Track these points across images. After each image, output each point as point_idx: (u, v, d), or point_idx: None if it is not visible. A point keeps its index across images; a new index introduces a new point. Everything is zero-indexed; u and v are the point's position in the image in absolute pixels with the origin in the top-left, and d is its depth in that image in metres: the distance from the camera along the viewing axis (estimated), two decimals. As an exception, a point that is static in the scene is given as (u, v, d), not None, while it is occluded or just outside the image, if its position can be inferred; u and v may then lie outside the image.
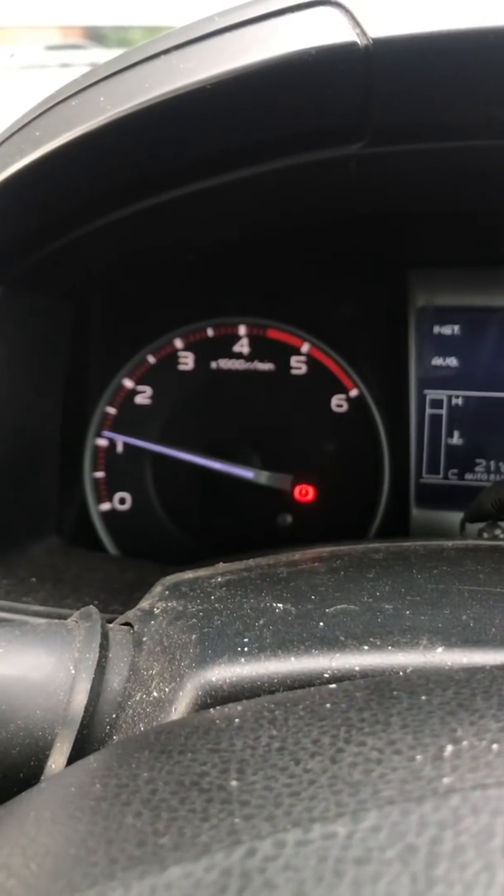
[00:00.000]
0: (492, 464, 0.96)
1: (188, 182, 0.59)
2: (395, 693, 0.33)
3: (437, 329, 0.96)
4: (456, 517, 0.87)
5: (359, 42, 0.48)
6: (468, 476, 0.97)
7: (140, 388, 1.02)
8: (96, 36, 2.19)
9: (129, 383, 1.02)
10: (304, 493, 1.01)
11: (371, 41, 0.48)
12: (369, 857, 0.22)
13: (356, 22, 0.48)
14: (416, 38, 0.48)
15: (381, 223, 0.85)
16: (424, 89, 0.51)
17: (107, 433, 1.02)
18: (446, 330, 0.95)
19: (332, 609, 0.44)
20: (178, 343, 1.02)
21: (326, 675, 0.39)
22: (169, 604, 0.49)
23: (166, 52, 0.52)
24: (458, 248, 0.92)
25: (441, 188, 0.71)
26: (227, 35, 0.51)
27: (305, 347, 1.00)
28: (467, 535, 0.84)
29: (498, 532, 0.77)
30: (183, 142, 0.55)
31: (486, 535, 0.77)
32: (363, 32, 0.48)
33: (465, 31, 0.48)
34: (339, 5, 0.49)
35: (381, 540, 0.83)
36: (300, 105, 0.53)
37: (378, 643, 0.40)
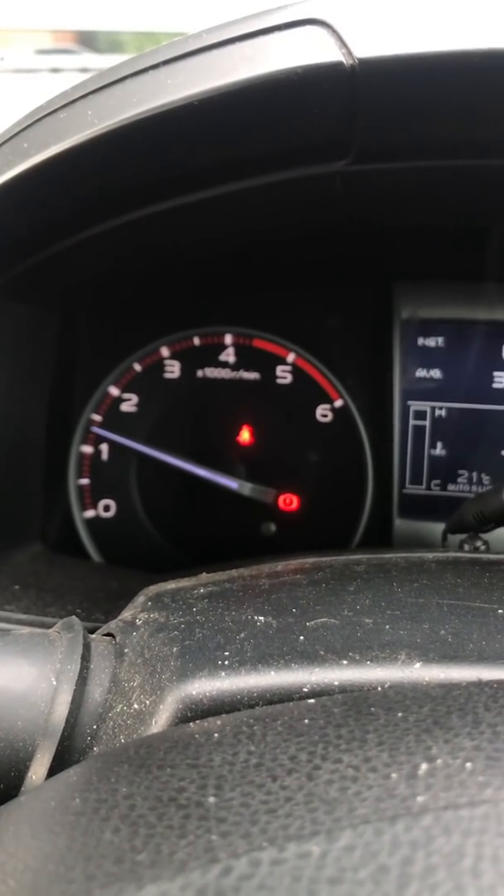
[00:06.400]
0: (474, 475, 0.97)
1: (175, 195, 0.60)
2: (372, 709, 0.34)
3: (421, 341, 0.97)
4: (438, 528, 0.87)
5: (345, 62, 0.49)
6: (451, 487, 0.98)
7: (126, 395, 1.03)
8: (88, 40, 2.19)
9: (114, 391, 1.02)
10: (289, 502, 1.01)
11: (357, 61, 0.49)
12: (342, 877, 0.23)
13: (342, 42, 0.49)
14: (402, 59, 0.49)
15: (366, 236, 0.85)
16: (409, 110, 0.52)
17: (95, 429, 1.02)
18: (430, 342, 0.96)
19: (312, 623, 0.45)
20: (165, 351, 1.02)
21: (306, 690, 0.39)
22: (151, 615, 0.49)
23: (155, 67, 0.53)
24: (443, 261, 0.93)
25: (425, 204, 0.72)
26: (216, 52, 0.51)
27: (291, 357, 1.01)
28: (449, 547, 0.84)
29: (479, 544, 0.78)
30: (170, 157, 0.56)
31: (467, 546, 0.78)
32: (349, 52, 0.49)
33: (450, 52, 0.48)
34: (326, 25, 0.50)
35: (363, 550, 0.83)
36: (286, 123, 0.53)
37: (357, 658, 0.40)
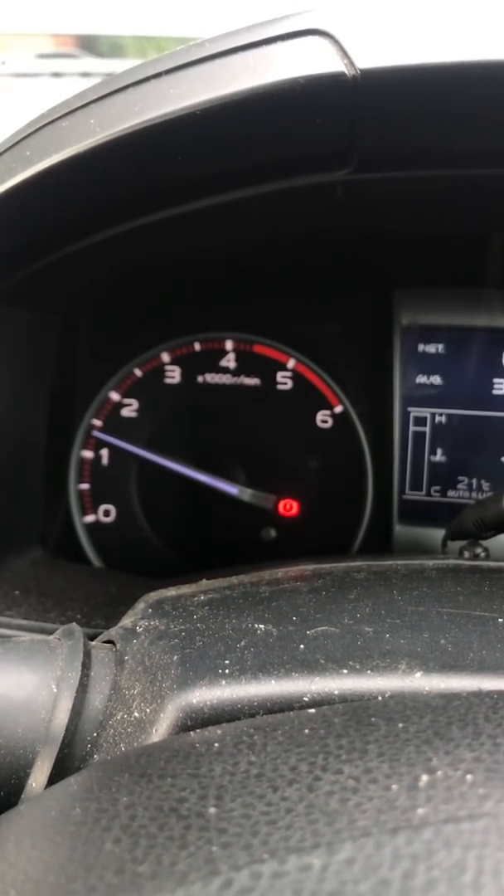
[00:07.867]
0: (474, 481, 0.97)
1: (177, 204, 0.60)
2: (372, 720, 0.34)
3: (421, 347, 0.97)
4: (438, 534, 0.88)
5: (346, 72, 0.49)
6: (451, 493, 0.98)
7: (126, 401, 1.03)
8: (89, 44, 2.19)
9: (115, 396, 1.03)
10: (289, 507, 1.01)
11: (359, 72, 0.49)
12: (343, 890, 0.23)
13: (344, 52, 0.49)
14: (403, 70, 0.49)
15: (367, 243, 0.85)
16: (410, 120, 0.52)
17: (96, 434, 1.02)
18: (431, 348, 0.96)
19: (312, 631, 0.45)
20: (165, 357, 1.02)
21: (306, 699, 0.39)
22: (151, 622, 0.49)
23: (157, 76, 0.53)
24: (444, 268, 0.93)
25: (426, 212, 0.72)
26: (218, 61, 0.52)
27: (291, 363, 1.01)
28: (449, 553, 0.84)
29: (479, 550, 0.78)
30: (171, 166, 0.56)
31: (467, 553, 0.78)
32: (351, 63, 0.49)
33: (451, 63, 0.49)
34: (328, 35, 0.50)
35: (363, 557, 0.83)
36: (288, 132, 0.53)
37: (357, 667, 0.40)
